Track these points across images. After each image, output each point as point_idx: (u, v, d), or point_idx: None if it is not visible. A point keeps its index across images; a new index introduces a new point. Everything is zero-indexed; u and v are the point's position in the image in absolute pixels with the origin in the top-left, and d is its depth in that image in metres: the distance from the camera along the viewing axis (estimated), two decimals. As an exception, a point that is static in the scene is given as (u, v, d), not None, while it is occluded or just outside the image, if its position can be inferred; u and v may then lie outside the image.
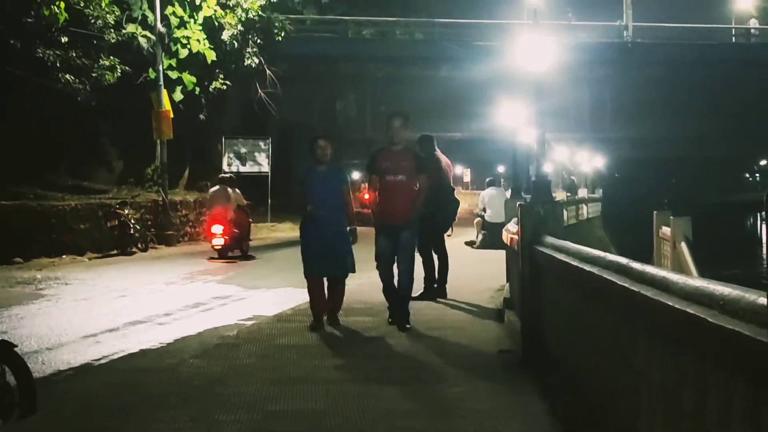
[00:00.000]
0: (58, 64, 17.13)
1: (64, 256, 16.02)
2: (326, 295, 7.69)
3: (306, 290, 7.75)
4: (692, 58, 27.57)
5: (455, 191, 10.84)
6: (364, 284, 9.46)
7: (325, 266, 7.56)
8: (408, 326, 7.42)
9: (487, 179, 19.64)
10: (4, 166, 17.12)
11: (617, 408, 3.54)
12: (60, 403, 5.16)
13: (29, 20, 16.40)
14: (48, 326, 8.47)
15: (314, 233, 7.53)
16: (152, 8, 19.07)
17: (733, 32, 34.08)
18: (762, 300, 1.85)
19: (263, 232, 23.03)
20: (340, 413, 4.86)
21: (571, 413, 4.48)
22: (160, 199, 19.46)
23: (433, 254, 9.50)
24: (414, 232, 7.68)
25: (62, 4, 15.76)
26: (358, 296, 8.96)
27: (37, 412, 4.59)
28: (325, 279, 7.64)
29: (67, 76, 17.32)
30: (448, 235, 10.76)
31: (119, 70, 18.65)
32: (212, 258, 15.51)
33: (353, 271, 7.71)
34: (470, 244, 17.72)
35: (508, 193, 16.23)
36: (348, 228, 7.62)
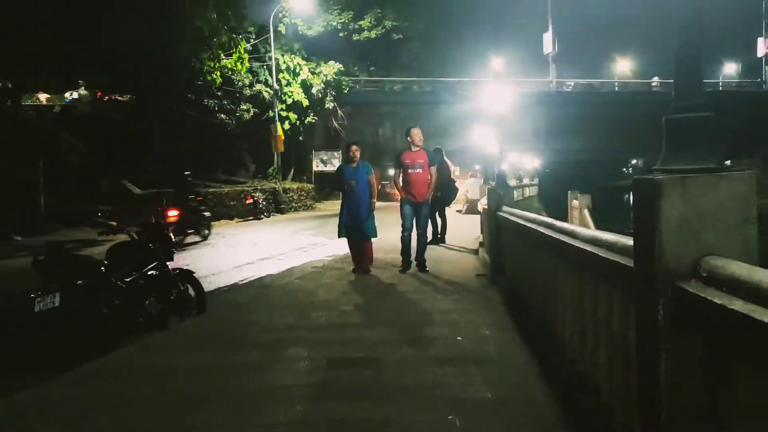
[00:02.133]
0: (216, 108, 28.51)
1: (221, 220, 24.26)
2: (359, 253, 9.55)
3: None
4: (590, 100, 43.29)
5: (455, 182, 15.22)
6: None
7: (357, 232, 9.33)
8: (426, 270, 9.44)
9: (470, 173, 25.31)
10: (185, 169, 22.91)
11: (544, 309, 4.86)
12: (219, 306, 7.56)
13: (199, 83, 26.98)
14: (211, 261, 12.94)
15: (350, 208, 9.32)
16: (270, 75, 30.63)
17: (615, 85, 52.68)
18: (629, 242, 2.52)
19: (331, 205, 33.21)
20: (386, 310, 6.97)
21: (517, 310, 6.33)
22: (277, 186, 30.62)
23: (438, 218, 13.36)
24: (428, 207, 9.82)
25: (218, 74, 26.52)
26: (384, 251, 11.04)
27: (206, 311, 7.12)
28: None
29: (222, 115, 28.85)
30: (448, 206, 14.35)
31: (252, 112, 30.60)
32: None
33: (375, 235, 9.51)
34: (459, 211, 23.72)
35: (482, 181, 20.32)
36: (369, 200, 9.31)
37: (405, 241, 9.47)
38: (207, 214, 18.71)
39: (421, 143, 9.64)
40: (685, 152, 2.18)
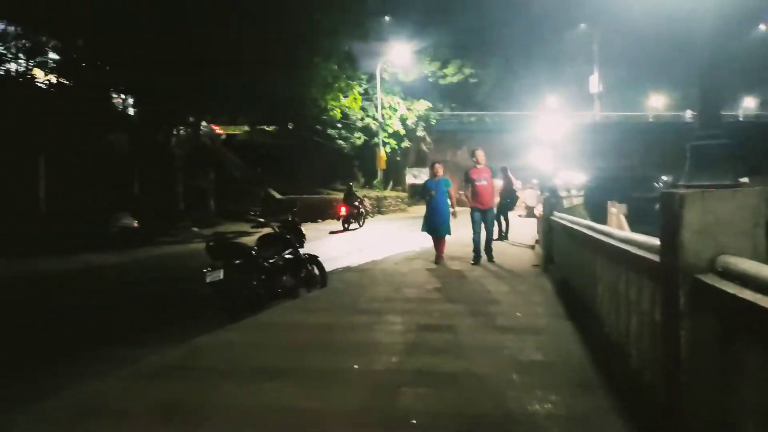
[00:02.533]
0: (337, 136, 29.16)
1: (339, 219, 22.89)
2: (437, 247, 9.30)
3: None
4: (628, 128, 41.49)
5: (516, 192, 15.10)
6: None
7: (434, 230, 9.14)
8: (493, 260, 9.19)
9: (528, 185, 24.53)
10: (314, 181, 26.97)
11: (585, 292, 4.74)
12: (336, 281, 7.62)
13: (324, 117, 27.33)
14: (330, 248, 12.76)
15: (431, 212, 9.12)
16: (376, 111, 30.83)
17: (650, 117, 49.76)
18: (655, 241, 2.45)
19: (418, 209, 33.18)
20: (461, 290, 6.92)
21: (563, 293, 6.15)
22: (379, 194, 30.31)
23: (503, 220, 13.03)
24: (493, 212, 9.45)
25: (338, 110, 27.36)
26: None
27: (327, 286, 7.30)
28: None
29: (340, 141, 29.45)
30: (511, 210, 14.13)
31: (362, 139, 30.73)
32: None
33: (449, 233, 9.17)
34: (519, 216, 21.76)
35: (538, 192, 19.79)
36: (451, 210, 9.14)
37: (475, 241, 9.14)
38: (362, 211, 20.96)
39: (484, 162, 9.34)
40: (706, 171, 2.07)
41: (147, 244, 14.33)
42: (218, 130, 28.08)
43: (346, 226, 19.41)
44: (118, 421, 3.01)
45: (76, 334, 5.85)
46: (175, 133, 21.57)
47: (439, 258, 9.26)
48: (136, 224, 14.74)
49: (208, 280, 5.63)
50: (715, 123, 2.11)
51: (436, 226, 9.14)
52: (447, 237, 9.32)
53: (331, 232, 18.11)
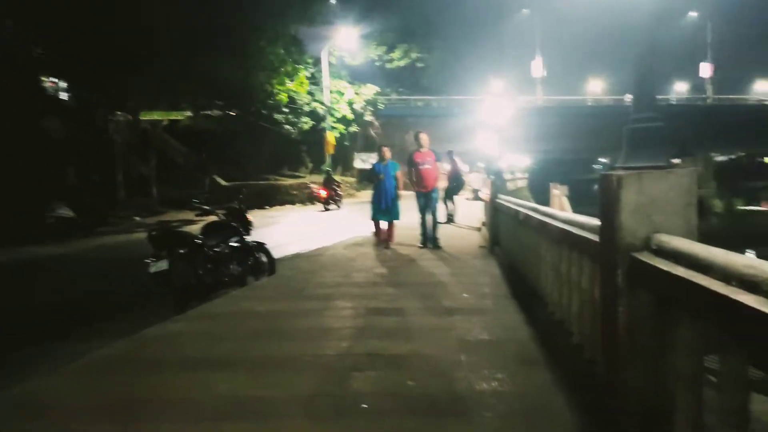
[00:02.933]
0: (283, 120, 27.28)
1: (286, 205, 24.67)
2: (384, 231, 9.15)
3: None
4: (569, 112, 41.98)
5: (463, 175, 15.42)
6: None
7: (384, 215, 9.01)
8: (439, 246, 8.91)
9: (474, 169, 24.54)
10: (260, 167, 26.52)
11: (529, 272, 4.94)
12: (285, 269, 7.48)
13: (270, 101, 25.96)
14: (280, 235, 12.59)
15: (379, 196, 8.95)
16: (323, 95, 29.57)
17: (589, 101, 50.11)
18: (595, 222, 2.49)
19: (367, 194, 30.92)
20: (409, 274, 6.97)
21: (509, 273, 6.27)
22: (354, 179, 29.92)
23: (450, 203, 13.38)
24: (437, 195, 9.16)
25: (285, 95, 26.15)
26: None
27: (275, 273, 7.20)
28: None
29: (287, 126, 27.64)
30: (457, 194, 14.39)
31: (310, 123, 28.99)
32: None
33: (398, 218, 9.08)
34: (466, 199, 22.51)
35: (484, 175, 20.31)
36: (396, 191, 8.92)
37: (422, 224, 9.06)
38: (341, 193, 22.82)
39: (427, 145, 9.14)
40: (641, 153, 2.14)
41: (86, 235, 13.76)
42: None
43: (326, 207, 21.46)
44: (63, 418, 2.89)
45: (16, 330, 5.57)
46: (112, 118, 20.66)
47: (387, 242, 9.15)
48: (73, 214, 14.10)
49: (152, 270, 5.45)
50: (650, 107, 2.18)
51: (386, 211, 9.01)
52: (396, 221, 9.21)
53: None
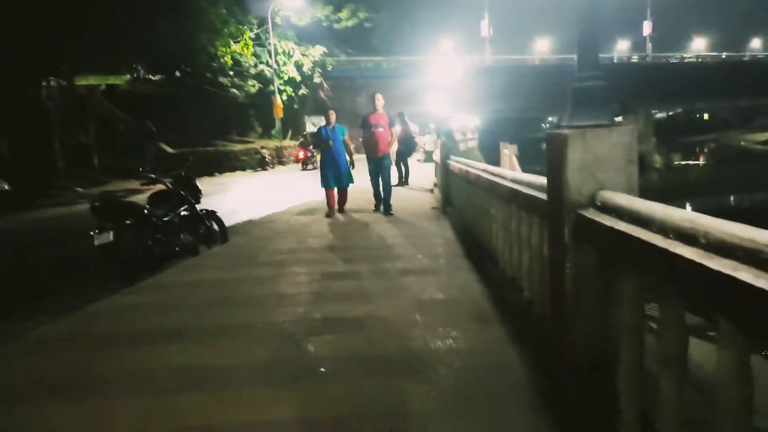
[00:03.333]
0: (229, 84, 27.12)
1: (236, 171, 24.68)
2: (336, 197, 8.82)
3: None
4: (517, 71, 41.10)
5: (414, 137, 15.38)
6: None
7: (335, 181, 8.64)
8: (391, 213, 8.53)
9: (426, 131, 24.51)
10: (208, 133, 25.72)
11: (481, 231, 4.93)
12: (237, 236, 7.35)
13: (214, 64, 25.48)
14: (231, 202, 12.62)
15: (328, 162, 8.58)
16: (270, 57, 29.59)
17: (536, 60, 50.32)
18: (543, 180, 2.53)
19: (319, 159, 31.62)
20: (363, 237, 6.98)
21: (461, 233, 6.31)
22: (279, 144, 29.37)
23: (402, 166, 13.14)
24: (389, 161, 8.86)
25: (229, 57, 25.61)
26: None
27: (228, 241, 7.09)
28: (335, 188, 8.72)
29: (233, 90, 27.50)
30: (410, 156, 14.37)
31: (257, 87, 28.96)
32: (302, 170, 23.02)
33: (352, 182, 8.79)
34: (418, 161, 22.79)
35: (436, 136, 20.37)
36: (348, 159, 8.62)
37: (373, 188, 8.89)
38: (316, 154, 22.27)
39: (382, 107, 8.78)
40: (585, 112, 2.17)
41: (23, 209, 13.12)
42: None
43: (304, 167, 23.39)
44: (6, 400, 2.78)
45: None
46: (45, 84, 19.48)
47: (341, 208, 8.97)
48: (7, 187, 13.39)
49: (96, 242, 5.25)
50: (594, 65, 2.20)
51: (337, 177, 8.65)
52: (349, 186, 8.98)
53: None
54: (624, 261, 1.75)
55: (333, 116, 8.76)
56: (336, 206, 8.93)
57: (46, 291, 5.91)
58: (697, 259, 1.27)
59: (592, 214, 1.95)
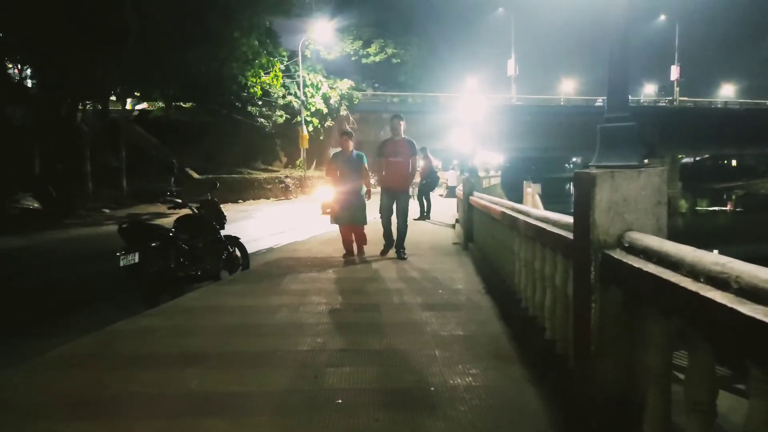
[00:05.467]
0: (257, 114, 27.89)
1: (260, 199, 25.09)
2: (350, 238, 7.66)
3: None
4: (542, 111, 41.91)
5: (437, 172, 15.59)
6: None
7: (348, 217, 7.44)
8: (404, 257, 7.40)
9: (450, 166, 24.76)
10: (234, 161, 26.80)
11: (503, 268, 4.97)
12: (259, 263, 7.50)
13: (244, 94, 26.26)
14: (254, 229, 12.76)
15: (340, 195, 7.40)
16: (299, 89, 30.02)
17: (561, 101, 50.03)
18: (569, 219, 2.56)
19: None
20: (384, 270, 6.84)
21: (482, 269, 6.30)
22: (303, 174, 29.68)
23: (424, 200, 13.19)
24: (407, 195, 7.61)
25: (259, 87, 26.38)
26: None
27: (249, 267, 7.15)
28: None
29: (261, 119, 28.31)
30: (432, 190, 14.40)
31: (284, 117, 29.55)
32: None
33: (365, 222, 7.58)
34: (441, 195, 22.90)
35: (458, 172, 20.60)
36: (364, 191, 7.47)
37: (383, 227, 7.60)
38: None
39: (403, 133, 7.48)
40: (614, 152, 2.18)
41: (52, 227, 13.41)
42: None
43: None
44: (25, 416, 2.81)
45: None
46: (81, 108, 20.15)
47: (358, 250, 7.78)
48: (38, 205, 13.73)
49: (122, 263, 5.34)
50: (623, 106, 2.23)
51: (349, 213, 7.40)
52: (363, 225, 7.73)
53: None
54: (652, 303, 1.74)
55: (349, 142, 7.55)
56: (351, 248, 7.77)
57: (69, 309, 5.99)
58: (729, 304, 1.26)
59: (619, 254, 1.95)
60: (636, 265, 1.76)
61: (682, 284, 1.46)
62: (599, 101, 46.10)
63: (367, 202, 7.56)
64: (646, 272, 1.67)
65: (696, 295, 1.39)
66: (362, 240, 7.77)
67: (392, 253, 7.65)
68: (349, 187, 7.39)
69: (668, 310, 1.65)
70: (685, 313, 1.49)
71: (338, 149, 7.84)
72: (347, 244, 7.71)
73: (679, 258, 1.56)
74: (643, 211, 2.02)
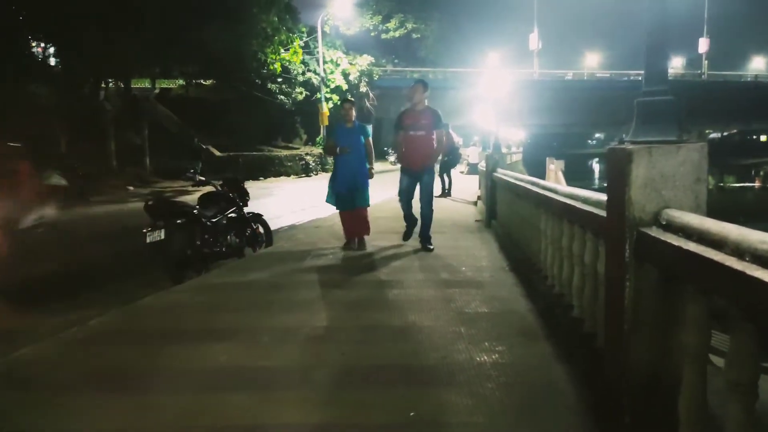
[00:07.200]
0: (277, 91, 27.79)
1: (281, 177, 25.10)
2: (351, 223, 6.69)
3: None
4: (565, 86, 41.51)
5: (459, 149, 15.44)
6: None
7: (348, 200, 6.55)
8: (430, 247, 6.45)
9: (471, 143, 24.41)
10: (254, 138, 26.56)
11: (528, 245, 4.92)
12: (281, 240, 7.58)
13: (263, 71, 26.18)
14: (275, 206, 12.67)
15: (341, 173, 6.50)
16: (318, 65, 29.99)
17: (585, 75, 49.76)
18: (600, 196, 2.57)
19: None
20: (407, 245, 6.70)
21: (506, 246, 6.28)
22: (323, 152, 27.78)
23: (446, 177, 13.17)
24: (432, 175, 6.49)
25: (278, 64, 26.31)
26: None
27: (272, 244, 7.20)
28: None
29: (281, 96, 28.15)
30: (454, 167, 14.58)
31: (304, 94, 29.52)
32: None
33: (366, 204, 6.66)
34: (462, 172, 23.22)
35: (480, 149, 20.36)
36: (367, 168, 6.57)
37: (403, 210, 6.63)
38: None
39: (423, 101, 6.38)
40: (651, 127, 2.11)
41: (79, 204, 13.63)
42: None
43: None
44: (53, 389, 2.87)
45: (7, 298, 5.53)
46: (103, 86, 20.30)
47: (359, 240, 6.72)
48: (65, 183, 13.95)
49: (148, 240, 5.41)
50: (662, 79, 2.15)
51: (350, 195, 6.50)
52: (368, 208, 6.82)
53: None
54: (691, 282, 1.69)
55: (352, 111, 6.57)
56: (352, 235, 6.76)
57: (96, 285, 6.11)
58: (779, 284, 1.22)
59: (656, 232, 1.89)
60: (675, 243, 1.71)
61: (727, 263, 1.42)
62: (631, 75, 44.78)
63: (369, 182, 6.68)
64: (687, 250, 1.62)
65: (742, 274, 1.34)
66: (365, 228, 6.74)
67: (413, 242, 6.73)
68: (353, 165, 6.48)
69: (709, 289, 1.60)
70: (728, 292, 1.45)
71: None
72: (348, 233, 6.74)
73: (723, 236, 1.51)
74: (682, 188, 1.96)
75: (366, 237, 6.83)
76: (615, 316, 2.14)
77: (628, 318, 2.01)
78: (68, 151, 17.34)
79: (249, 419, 2.49)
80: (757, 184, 39.81)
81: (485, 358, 3.12)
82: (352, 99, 7.51)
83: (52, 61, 22.16)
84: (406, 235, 6.84)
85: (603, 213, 2.41)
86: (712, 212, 1.86)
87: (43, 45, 20.75)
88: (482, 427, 2.37)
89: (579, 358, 2.88)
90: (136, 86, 24.65)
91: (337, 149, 6.44)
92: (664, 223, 1.90)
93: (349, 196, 6.51)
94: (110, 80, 21.23)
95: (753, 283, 1.30)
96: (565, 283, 3.41)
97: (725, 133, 56.37)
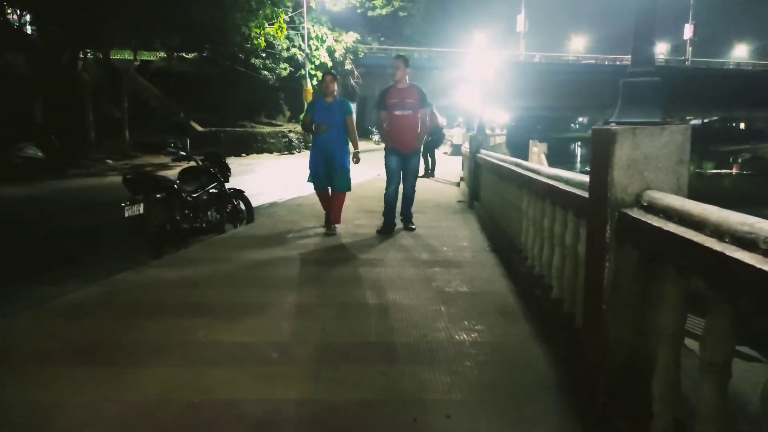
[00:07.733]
0: (260, 66, 27.10)
1: (263, 153, 25.11)
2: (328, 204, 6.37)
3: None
4: (551, 69, 41.22)
5: (442, 129, 15.57)
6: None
7: (324, 182, 6.26)
8: (412, 227, 6.41)
9: (455, 123, 24.28)
10: (237, 114, 26.28)
11: (509, 226, 4.94)
12: (263, 217, 7.49)
13: (247, 45, 25.23)
14: (257, 183, 12.57)
15: (320, 153, 6.12)
16: (303, 41, 29.46)
17: (571, 59, 49.40)
18: (583, 178, 2.55)
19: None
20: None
21: (488, 228, 6.28)
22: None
23: (429, 157, 13.21)
24: (418, 158, 6.45)
25: (263, 39, 25.20)
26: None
27: (253, 221, 7.14)
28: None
29: (264, 72, 27.46)
30: (437, 148, 14.60)
31: (288, 70, 28.86)
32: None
33: (348, 189, 6.29)
34: (445, 153, 23.19)
35: (464, 129, 20.36)
36: (352, 151, 6.28)
37: (388, 199, 6.24)
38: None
39: (406, 78, 6.13)
40: (636, 108, 2.11)
41: (56, 177, 13.38)
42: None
43: None
44: (28, 361, 2.83)
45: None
46: (81, 56, 19.77)
47: (331, 223, 6.31)
48: (42, 155, 13.66)
49: (127, 214, 5.32)
50: (648, 60, 2.14)
51: (327, 176, 6.15)
52: (346, 192, 6.40)
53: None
54: (670, 263, 1.70)
55: (333, 84, 6.07)
56: (330, 218, 6.37)
57: (74, 259, 6.02)
58: (757, 265, 1.22)
59: (637, 213, 1.90)
60: (655, 224, 1.72)
61: (706, 244, 1.42)
62: (617, 60, 44.94)
63: (352, 166, 6.26)
64: (667, 231, 1.63)
65: (721, 254, 1.35)
66: (338, 211, 6.33)
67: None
68: (332, 143, 6.06)
69: (688, 270, 1.62)
70: (707, 272, 1.45)
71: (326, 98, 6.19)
72: (328, 210, 6.39)
73: (704, 218, 1.52)
74: (664, 170, 1.96)
75: (336, 226, 6.35)
76: (594, 296, 2.16)
77: (607, 299, 2.03)
78: (45, 123, 16.93)
79: (228, 394, 2.48)
80: (734, 171, 40.49)
81: (464, 336, 3.14)
82: (334, 72, 6.88)
83: (29, 29, 21.50)
84: (383, 230, 6.25)
85: (585, 194, 2.42)
86: (690, 198, 1.87)
87: (18, 12, 20.11)
88: (460, 405, 2.39)
89: (557, 338, 2.91)
90: (116, 57, 24.02)
91: (313, 126, 6.03)
92: (645, 204, 1.90)
93: (326, 178, 6.18)
94: (89, 50, 20.64)
95: (732, 264, 1.31)
96: (545, 264, 3.43)
97: (706, 120, 57.06)
